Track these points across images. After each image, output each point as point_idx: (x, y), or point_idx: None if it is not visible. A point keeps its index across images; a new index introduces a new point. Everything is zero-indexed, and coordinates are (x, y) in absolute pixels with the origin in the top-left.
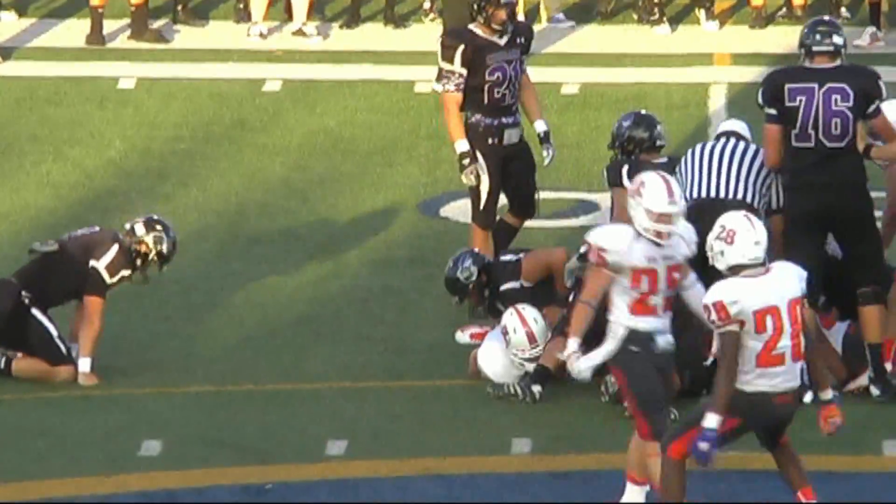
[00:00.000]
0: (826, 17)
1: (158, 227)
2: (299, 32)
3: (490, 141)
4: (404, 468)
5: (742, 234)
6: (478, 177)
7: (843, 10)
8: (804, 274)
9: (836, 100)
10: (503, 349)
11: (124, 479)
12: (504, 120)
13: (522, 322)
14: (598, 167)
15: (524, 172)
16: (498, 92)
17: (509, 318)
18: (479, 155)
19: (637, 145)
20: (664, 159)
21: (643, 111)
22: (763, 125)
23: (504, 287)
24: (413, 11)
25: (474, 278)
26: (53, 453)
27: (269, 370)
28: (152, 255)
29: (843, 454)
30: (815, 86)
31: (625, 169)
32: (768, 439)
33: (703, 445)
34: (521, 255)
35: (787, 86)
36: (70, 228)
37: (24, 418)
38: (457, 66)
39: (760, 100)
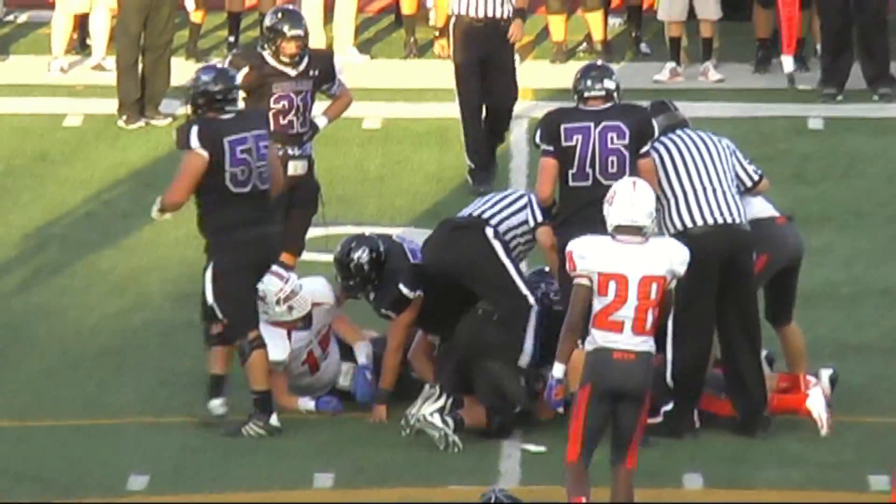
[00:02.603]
0: (598, 62)
1: None
2: (99, 67)
3: None
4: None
5: (621, 196)
6: None
7: (642, 45)
8: (684, 257)
9: (611, 138)
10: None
11: None
12: (290, 150)
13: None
14: (401, 200)
15: (302, 207)
16: (284, 119)
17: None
18: None
19: (209, 101)
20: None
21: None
22: (540, 160)
23: (384, 311)
24: (215, 46)
25: (366, 272)
26: None
27: (72, 403)
28: None
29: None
30: (591, 124)
31: (194, 130)
32: (616, 431)
33: (548, 393)
34: (416, 293)
35: (563, 126)
36: None
37: None
38: None
39: (538, 139)
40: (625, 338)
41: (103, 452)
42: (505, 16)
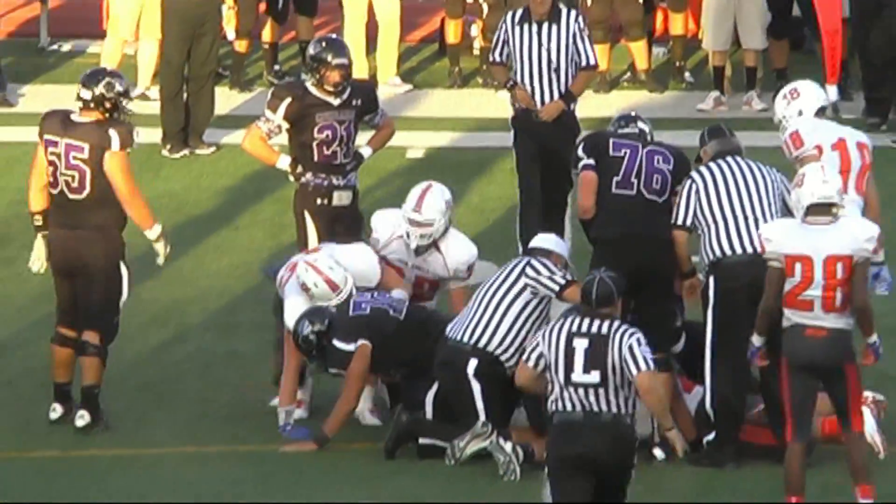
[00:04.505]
0: (631, 113)
1: None
2: (142, 97)
3: (319, 201)
4: None
5: (811, 175)
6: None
7: (686, 74)
8: (871, 234)
9: (658, 159)
10: (307, 303)
11: None
12: (335, 180)
13: (319, 273)
14: None
15: (345, 237)
16: (328, 149)
17: (305, 273)
18: (306, 215)
19: None
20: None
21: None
22: (581, 174)
23: (332, 370)
24: (258, 76)
25: (315, 343)
26: None
27: (112, 435)
28: None
29: None
30: (639, 144)
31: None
32: (833, 403)
33: (750, 358)
34: (358, 343)
35: (612, 140)
36: None
37: None
38: (277, 117)
39: (581, 151)
40: (816, 315)
41: (143, 483)
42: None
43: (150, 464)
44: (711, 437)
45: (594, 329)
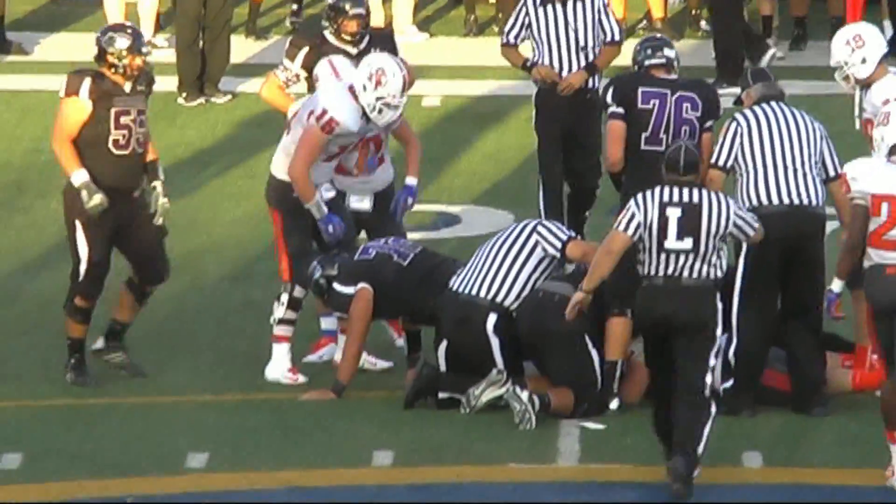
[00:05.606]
0: (657, 35)
1: None
2: (150, 44)
3: None
4: (265, 480)
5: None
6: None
7: (702, 23)
8: None
9: (686, 108)
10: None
11: None
12: None
13: (402, 68)
14: (460, 180)
15: None
16: None
17: (387, 61)
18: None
19: None
20: None
21: None
22: (608, 123)
23: (336, 314)
24: (275, 24)
25: (325, 287)
26: None
27: (129, 384)
28: None
29: (701, 465)
30: (668, 92)
31: None
32: None
33: (827, 307)
34: (357, 286)
35: (640, 88)
36: None
37: None
38: (295, 66)
39: (609, 98)
40: None
41: (161, 431)
42: (589, 85)
43: (167, 412)
44: (729, 384)
45: (685, 198)
